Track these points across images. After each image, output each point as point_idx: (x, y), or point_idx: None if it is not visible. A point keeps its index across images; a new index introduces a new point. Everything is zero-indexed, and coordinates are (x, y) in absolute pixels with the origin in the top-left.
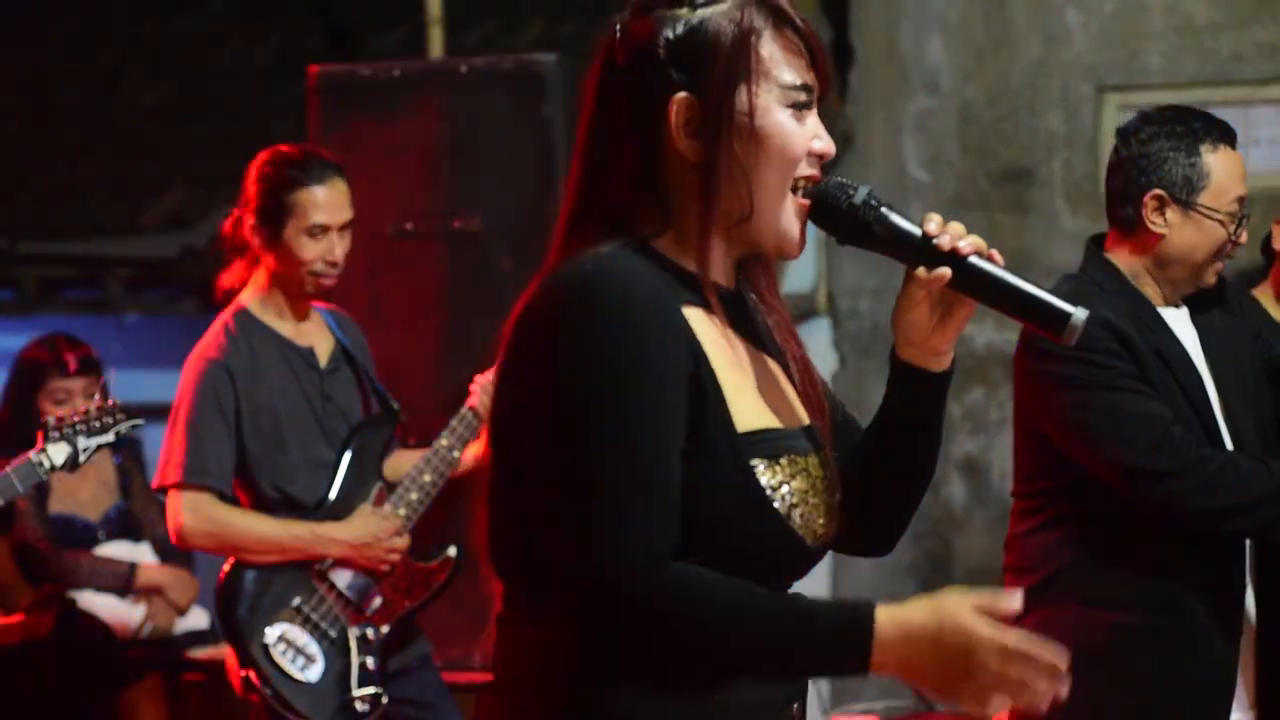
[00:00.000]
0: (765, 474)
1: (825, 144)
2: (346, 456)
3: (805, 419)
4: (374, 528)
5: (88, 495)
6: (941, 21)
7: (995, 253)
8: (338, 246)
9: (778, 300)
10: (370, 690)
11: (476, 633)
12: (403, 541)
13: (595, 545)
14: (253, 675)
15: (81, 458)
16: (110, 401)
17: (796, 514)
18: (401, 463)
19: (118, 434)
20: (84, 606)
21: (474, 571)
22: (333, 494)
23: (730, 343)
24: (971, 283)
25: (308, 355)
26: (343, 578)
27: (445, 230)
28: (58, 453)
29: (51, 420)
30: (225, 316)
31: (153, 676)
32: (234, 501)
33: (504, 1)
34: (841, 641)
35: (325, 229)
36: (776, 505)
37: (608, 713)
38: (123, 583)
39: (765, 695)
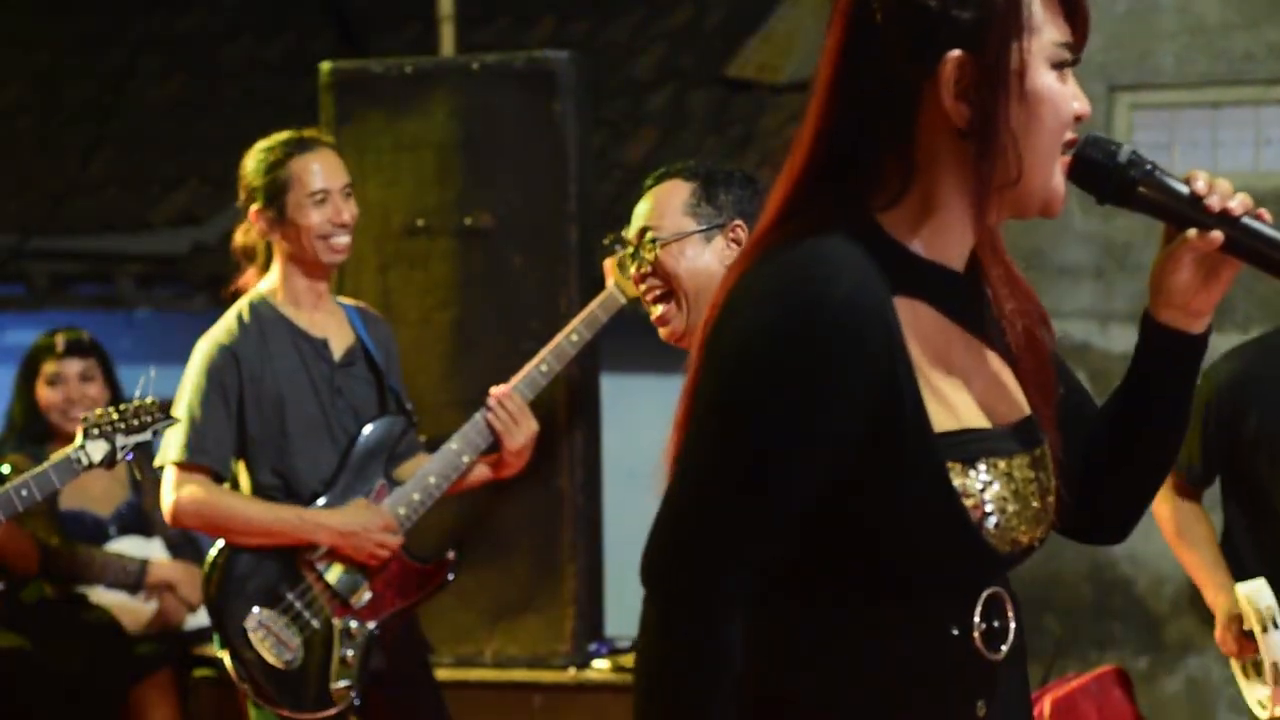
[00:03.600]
0: (959, 479)
1: (1084, 104)
2: (351, 450)
3: (1020, 412)
4: (363, 518)
5: (99, 490)
6: None
7: (1264, 211)
8: (344, 210)
9: (1005, 268)
10: (345, 684)
11: (487, 630)
12: (394, 539)
13: (680, 545)
14: (228, 657)
15: (119, 455)
16: (149, 399)
17: (990, 522)
18: (417, 467)
19: (156, 433)
20: (95, 602)
21: (483, 570)
22: (332, 486)
23: (946, 335)
24: (1243, 244)
25: (320, 346)
26: (332, 570)
27: (457, 227)
28: (96, 450)
29: (90, 417)
30: (241, 304)
31: (164, 672)
32: (233, 484)
33: None
34: None
35: (326, 193)
36: (969, 514)
37: (789, 704)
38: (134, 579)
39: (956, 688)
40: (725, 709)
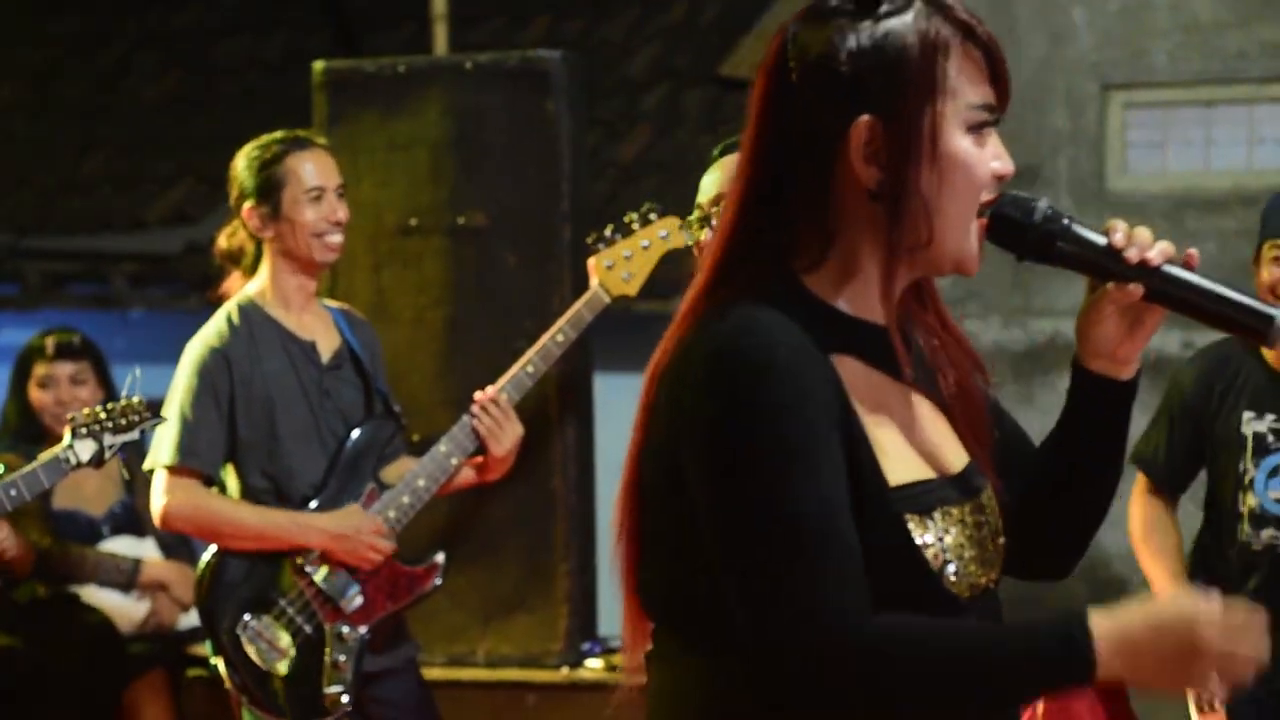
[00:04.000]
0: (918, 531)
1: (1005, 165)
2: (340, 454)
3: (961, 461)
4: (355, 522)
5: (92, 490)
6: None
7: (1193, 253)
8: (339, 209)
9: (937, 316)
10: (338, 689)
11: (479, 629)
12: (386, 544)
13: (783, 622)
14: (221, 663)
15: (107, 455)
16: (135, 399)
17: (950, 570)
18: (403, 470)
19: (143, 432)
20: (88, 602)
21: (475, 569)
22: (322, 489)
23: (882, 389)
24: (1164, 293)
25: (309, 349)
26: (323, 575)
27: (450, 227)
28: (84, 449)
29: (78, 417)
30: (229, 306)
31: (156, 672)
32: (223, 487)
33: None
34: (1064, 662)
35: (321, 190)
36: (930, 564)
37: None
38: (126, 578)
39: None
40: (950, 659)
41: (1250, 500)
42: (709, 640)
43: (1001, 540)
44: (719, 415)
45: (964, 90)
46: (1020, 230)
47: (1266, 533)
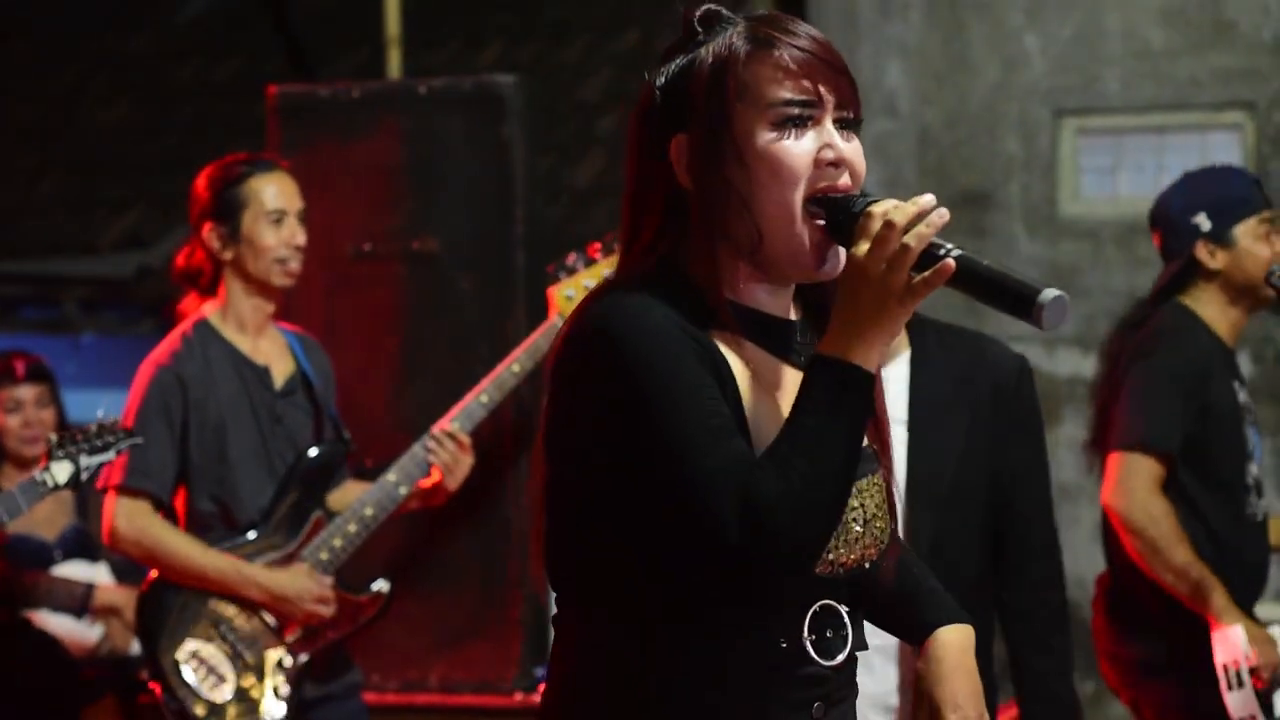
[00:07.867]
0: None
1: (837, 152)
2: (289, 480)
3: None
4: (299, 586)
5: (44, 514)
6: (900, 45)
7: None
8: (299, 233)
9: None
10: (277, 715)
11: (431, 655)
12: (326, 610)
13: (696, 511)
14: (159, 689)
15: (83, 476)
16: (109, 419)
17: None
18: (349, 495)
19: (119, 452)
20: (40, 627)
21: (430, 595)
22: (269, 516)
23: (759, 365)
24: (961, 274)
25: (262, 374)
26: None
27: (403, 251)
28: (61, 471)
29: (54, 439)
30: (185, 326)
31: (108, 697)
32: (171, 509)
33: (464, 23)
34: (841, 382)
35: (283, 213)
36: None
37: (651, 708)
38: (79, 603)
39: (791, 696)
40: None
41: (1253, 470)
42: (585, 598)
43: (880, 525)
44: (595, 381)
45: (764, 91)
46: (836, 212)
47: (1262, 503)
